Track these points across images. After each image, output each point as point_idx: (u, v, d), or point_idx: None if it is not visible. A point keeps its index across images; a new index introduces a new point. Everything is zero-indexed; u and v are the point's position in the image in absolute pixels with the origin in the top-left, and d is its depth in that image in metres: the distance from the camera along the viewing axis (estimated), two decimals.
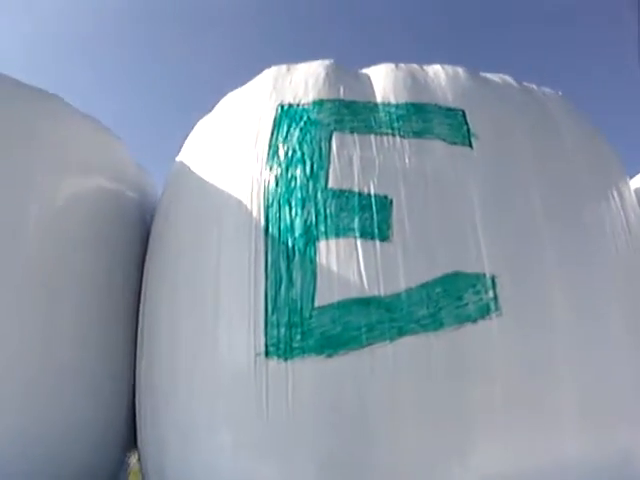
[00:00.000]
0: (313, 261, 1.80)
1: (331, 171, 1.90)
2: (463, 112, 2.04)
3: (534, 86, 2.40)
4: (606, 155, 2.38)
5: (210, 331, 1.92)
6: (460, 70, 2.22)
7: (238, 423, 1.78)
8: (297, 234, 1.85)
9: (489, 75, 2.32)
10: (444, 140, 1.97)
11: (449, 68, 2.22)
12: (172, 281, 2.14)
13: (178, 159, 2.41)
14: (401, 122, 1.99)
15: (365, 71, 2.24)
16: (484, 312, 1.75)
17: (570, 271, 1.92)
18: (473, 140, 1.99)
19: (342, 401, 1.69)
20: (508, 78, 2.33)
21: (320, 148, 1.94)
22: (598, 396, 1.82)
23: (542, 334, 1.79)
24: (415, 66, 2.22)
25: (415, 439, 1.67)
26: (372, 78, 2.18)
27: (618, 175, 2.41)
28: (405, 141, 1.95)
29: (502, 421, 1.70)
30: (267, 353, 1.76)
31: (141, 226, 2.55)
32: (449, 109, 2.05)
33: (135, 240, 2.49)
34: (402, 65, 2.21)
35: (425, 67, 2.23)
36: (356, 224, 1.82)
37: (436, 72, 2.20)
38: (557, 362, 1.79)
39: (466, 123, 2.02)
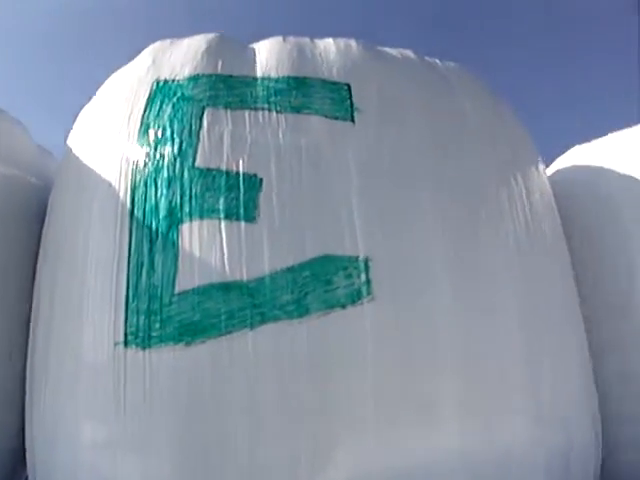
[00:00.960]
0: (175, 244, 1.69)
1: (199, 149, 1.78)
2: (348, 86, 1.92)
3: (437, 61, 2.28)
4: (514, 136, 2.28)
5: (76, 322, 1.80)
6: (353, 43, 2.10)
7: (97, 419, 1.67)
8: (161, 216, 1.73)
9: (387, 49, 2.20)
10: (324, 115, 1.85)
11: (341, 41, 2.11)
12: (52, 275, 2.02)
13: (65, 145, 2.28)
14: (279, 96, 1.87)
15: (253, 45, 2.11)
16: (355, 297, 1.64)
17: (458, 256, 1.81)
18: (356, 114, 1.86)
19: (199, 393, 1.58)
20: (409, 52, 2.21)
21: (190, 125, 1.82)
22: (481, 390, 1.72)
23: (421, 321, 1.68)
24: (305, 39, 2.11)
25: (275, 433, 1.57)
26: (258, 52, 2.05)
27: (526, 157, 2.30)
28: (281, 116, 1.83)
29: (372, 415, 1.60)
30: (126, 343, 1.65)
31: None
32: (334, 83, 1.93)
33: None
34: (291, 38, 2.09)
35: (317, 40, 2.11)
36: (221, 205, 1.70)
37: (327, 45, 2.08)
38: (437, 351, 1.68)
39: (350, 97, 1.89)
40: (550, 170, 3.36)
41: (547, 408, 1.90)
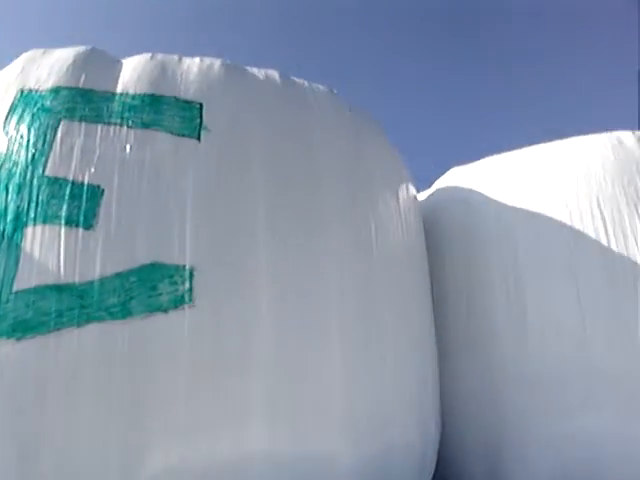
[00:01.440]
0: (18, 246, 1.83)
1: (50, 158, 1.92)
2: (201, 105, 2.08)
3: (305, 84, 2.45)
4: (379, 160, 2.47)
5: None
6: (217, 63, 2.26)
7: None
8: (9, 219, 1.88)
9: (254, 70, 2.36)
10: (171, 132, 2.01)
11: (206, 61, 2.26)
12: None
13: None
14: (132, 112, 2.02)
15: (123, 60, 2.26)
16: (177, 303, 1.81)
17: (284, 268, 1.99)
18: (203, 133, 2.03)
19: (23, 387, 1.72)
20: (275, 75, 2.38)
21: (45, 135, 1.96)
22: (293, 393, 1.91)
23: (238, 326, 1.87)
24: (173, 57, 2.26)
25: (89, 430, 1.71)
26: (124, 67, 2.19)
27: (390, 179, 2.51)
28: (131, 131, 1.99)
29: (183, 414, 1.76)
30: None
31: None
32: (187, 102, 2.09)
33: None
34: (159, 56, 2.23)
35: (184, 58, 2.26)
36: (64, 212, 1.86)
37: (190, 64, 2.24)
38: (250, 354, 1.86)
39: (200, 116, 2.06)
40: (431, 189, 3.60)
41: (363, 412, 2.11)
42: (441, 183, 3.49)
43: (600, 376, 2.72)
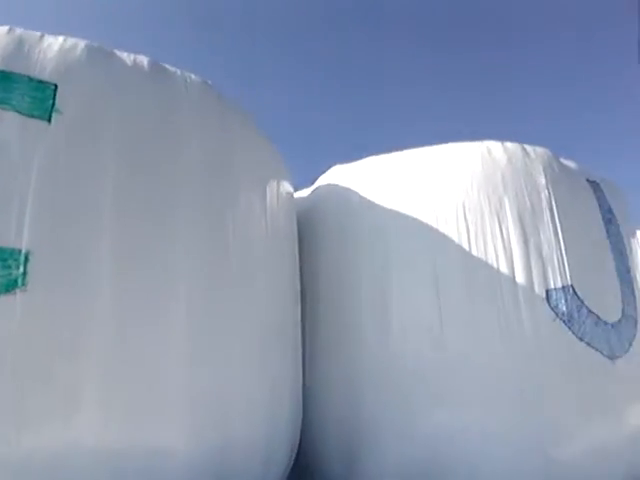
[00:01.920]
0: None
1: None
2: (55, 86, 2.03)
3: (178, 72, 2.44)
4: (238, 145, 2.49)
5: None
6: (81, 45, 2.22)
7: None
8: None
9: (123, 55, 2.32)
10: (19, 112, 1.95)
11: (71, 41, 2.21)
12: None
13: None
14: None
15: None
16: (10, 287, 1.78)
17: (126, 258, 1.99)
18: (54, 115, 1.98)
19: None
20: (144, 61, 2.35)
21: None
22: (128, 380, 1.91)
23: (72, 313, 1.85)
24: (35, 34, 2.18)
25: None
26: None
27: (262, 174, 2.55)
28: None
29: (10, 399, 1.73)
30: None
31: None
32: (41, 82, 2.03)
33: None
34: (19, 30, 2.16)
35: (46, 36, 2.19)
36: None
37: (51, 44, 2.17)
38: (84, 343, 1.86)
39: (54, 98, 2.00)
40: (312, 187, 3.68)
41: (204, 404, 2.14)
42: (323, 181, 3.57)
43: (454, 375, 2.90)
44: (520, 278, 2.97)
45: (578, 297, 3.01)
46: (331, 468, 3.04)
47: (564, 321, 2.95)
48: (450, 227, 3.07)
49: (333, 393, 3.07)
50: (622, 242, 3.39)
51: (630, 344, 3.12)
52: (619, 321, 3.13)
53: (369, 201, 3.23)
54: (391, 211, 3.20)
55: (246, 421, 2.25)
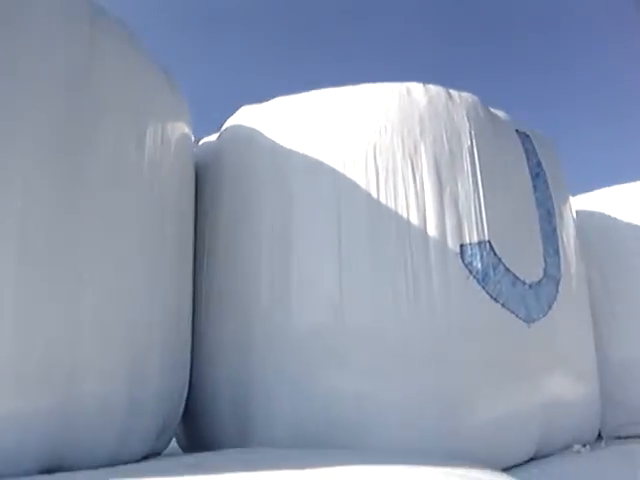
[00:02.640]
0: None
1: None
2: None
3: None
4: (108, 73, 2.13)
5: None
6: None
7: None
8: None
9: None
10: None
11: None
12: None
13: None
14: None
15: None
16: None
17: None
18: None
19: None
20: None
21: None
22: None
23: None
24: None
25: None
26: None
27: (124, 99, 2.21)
28: None
29: None
30: None
31: None
32: None
33: None
34: None
35: None
36: None
37: None
38: None
39: None
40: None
41: (37, 355, 1.79)
42: (230, 123, 3.19)
43: (354, 340, 2.59)
44: (432, 230, 2.67)
45: (495, 254, 2.73)
46: (223, 432, 2.73)
47: (478, 279, 2.66)
48: (358, 171, 2.74)
49: (226, 350, 2.74)
50: (550, 199, 3.13)
51: (549, 307, 2.87)
52: (539, 282, 2.87)
53: (274, 143, 2.87)
54: (296, 154, 2.85)
55: (99, 377, 1.90)
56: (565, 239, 3.18)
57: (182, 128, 2.73)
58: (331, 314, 2.62)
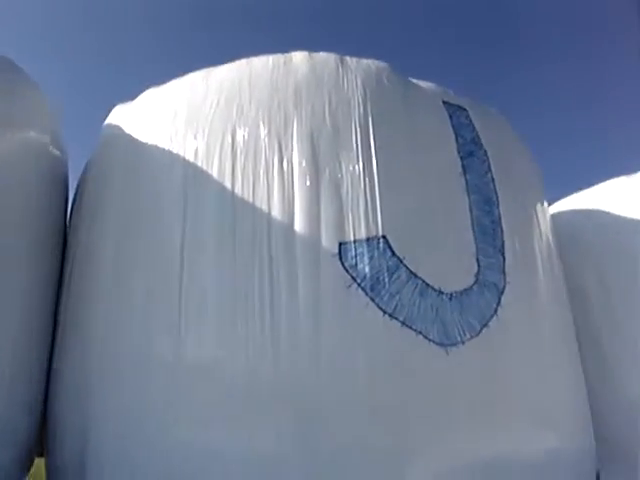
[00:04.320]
0: None
1: None
2: None
3: None
4: None
5: None
6: None
7: None
8: None
9: None
10: None
11: None
12: None
13: None
14: None
15: None
16: None
17: None
18: None
19: None
20: None
21: None
22: None
23: None
24: None
25: None
26: None
27: None
28: None
29: None
30: None
31: None
32: None
33: None
34: None
35: None
36: None
37: None
38: None
39: None
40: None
41: None
42: (107, 123, 2.71)
43: (188, 372, 1.94)
44: (301, 226, 2.01)
45: (393, 253, 2.00)
46: (62, 460, 2.12)
47: (364, 288, 1.92)
48: (210, 160, 2.13)
49: (69, 378, 2.17)
50: (490, 184, 2.35)
51: (485, 324, 2.05)
52: (467, 290, 2.08)
53: (151, 137, 2.35)
54: (148, 147, 2.30)
55: None
56: (519, 235, 2.36)
57: (43, 142, 2.30)
58: (169, 343, 1.97)
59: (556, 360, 2.31)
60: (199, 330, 1.97)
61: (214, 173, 2.13)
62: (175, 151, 2.23)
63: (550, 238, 2.62)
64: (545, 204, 2.76)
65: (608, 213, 3.14)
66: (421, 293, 2.00)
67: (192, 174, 2.15)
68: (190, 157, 2.19)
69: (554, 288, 2.51)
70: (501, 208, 2.34)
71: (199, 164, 2.16)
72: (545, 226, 2.61)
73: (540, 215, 2.61)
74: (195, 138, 2.22)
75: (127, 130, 2.47)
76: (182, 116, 2.30)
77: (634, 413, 2.75)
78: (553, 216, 3.21)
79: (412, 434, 1.87)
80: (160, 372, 1.99)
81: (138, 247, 2.18)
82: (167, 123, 2.34)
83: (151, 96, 2.54)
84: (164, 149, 2.27)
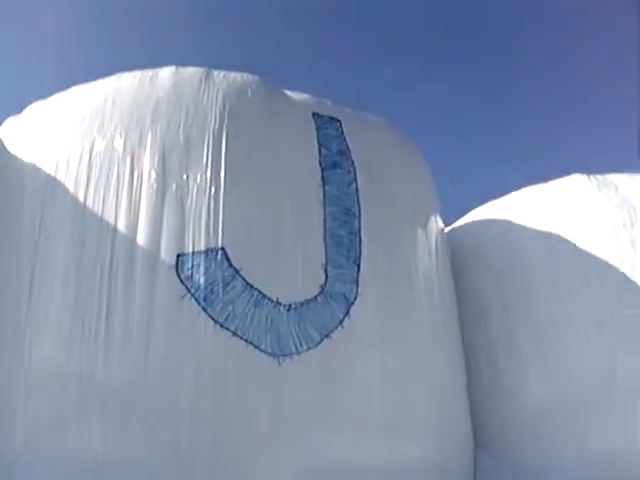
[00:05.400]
0: None
1: None
2: None
3: None
4: None
5: None
6: None
7: None
8: None
9: None
10: None
11: None
12: None
13: None
14: None
15: None
16: None
17: None
18: None
19: None
20: None
21: None
22: None
23: None
24: None
25: None
26: None
27: None
28: None
29: None
30: None
31: None
32: None
33: None
34: None
35: None
36: None
37: None
38: None
39: None
40: None
41: None
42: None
43: (34, 377, 1.99)
44: (142, 238, 2.06)
45: (230, 264, 2.04)
46: None
47: (197, 298, 1.97)
48: (69, 175, 2.21)
49: None
50: (353, 195, 2.37)
51: (327, 335, 2.07)
52: (310, 301, 2.10)
53: (10, 147, 2.44)
54: (20, 158, 2.38)
55: None
56: (385, 247, 2.37)
57: None
58: (14, 352, 2.04)
59: (418, 373, 2.30)
60: (42, 338, 2.02)
61: (70, 185, 2.20)
62: (39, 164, 2.31)
63: (436, 251, 2.61)
64: (435, 216, 2.75)
65: (513, 223, 3.12)
66: (256, 304, 2.03)
67: (52, 185, 2.22)
68: (51, 169, 2.26)
69: (433, 301, 2.51)
70: (363, 219, 2.36)
71: (59, 177, 2.23)
72: (430, 239, 2.61)
73: (425, 227, 2.61)
74: (59, 151, 2.29)
75: (10, 139, 2.54)
76: (54, 130, 2.39)
77: (521, 424, 2.72)
78: (459, 227, 3.21)
79: (235, 441, 1.89)
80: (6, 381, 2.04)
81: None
82: (42, 136, 2.42)
83: (35, 109, 2.62)
84: (33, 161, 2.35)
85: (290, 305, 2.08)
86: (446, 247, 2.78)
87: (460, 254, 3.06)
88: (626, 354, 2.73)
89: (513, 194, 3.36)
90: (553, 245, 3.02)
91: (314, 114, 2.49)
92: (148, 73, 2.44)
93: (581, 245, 2.99)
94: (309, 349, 2.05)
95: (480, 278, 3.04)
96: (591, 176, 3.31)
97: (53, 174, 2.25)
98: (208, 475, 1.85)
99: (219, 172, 2.19)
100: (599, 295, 2.88)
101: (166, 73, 2.42)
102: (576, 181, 3.22)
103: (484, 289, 3.03)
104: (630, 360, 2.70)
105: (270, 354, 1.99)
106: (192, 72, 2.43)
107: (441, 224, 2.87)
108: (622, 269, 2.92)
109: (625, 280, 2.91)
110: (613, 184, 3.23)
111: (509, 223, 3.14)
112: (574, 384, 2.76)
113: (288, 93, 2.56)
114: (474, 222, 3.31)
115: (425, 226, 2.65)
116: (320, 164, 2.37)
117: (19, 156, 2.42)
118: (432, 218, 2.74)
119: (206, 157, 2.21)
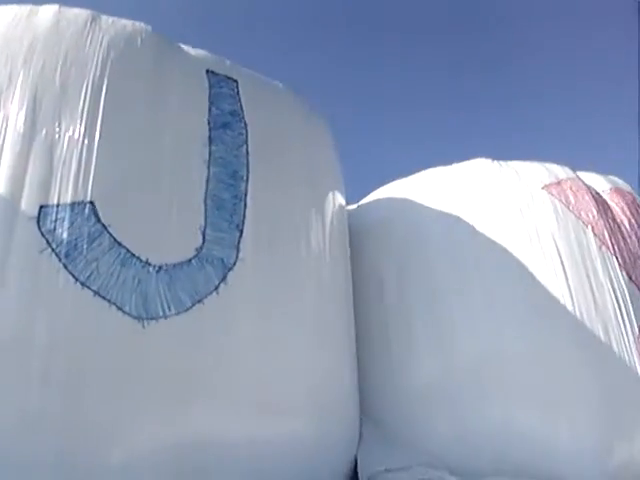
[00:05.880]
0: None
1: None
2: None
3: None
4: None
5: None
6: None
7: None
8: None
9: None
10: None
11: None
12: None
13: None
14: None
15: None
16: None
17: None
18: None
19: None
20: None
21: None
22: None
23: None
24: None
25: None
26: None
27: None
28: None
29: None
30: None
31: None
32: None
33: None
34: None
35: None
36: None
37: None
38: None
39: None
40: None
41: None
42: None
43: None
44: (3, 187, 1.89)
45: (98, 220, 1.90)
46: None
47: (58, 254, 1.83)
48: None
49: None
50: (242, 158, 2.28)
51: (198, 300, 1.99)
52: (183, 263, 2.01)
53: None
54: None
55: None
56: (273, 213, 2.30)
57: None
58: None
59: (297, 346, 2.26)
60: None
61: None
62: None
63: (330, 225, 2.58)
64: (334, 191, 2.72)
65: (414, 202, 3.14)
66: (123, 263, 1.93)
67: None
68: None
69: (321, 275, 2.47)
70: (251, 184, 2.28)
71: None
72: (326, 212, 2.57)
73: (321, 200, 2.57)
74: None
75: None
76: None
77: (410, 400, 2.76)
78: (361, 205, 3.19)
79: (89, 409, 1.79)
80: None
81: None
82: None
83: None
84: None
85: (161, 266, 1.99)
86: (344, 223, 2.75)
87: (360, 232, 3.06)
88: (511, 336, 2.82)
89: (417, 175, 3.38)
90: (450, 225, 3.06)
91: (209, 71, 2.38)
92: (26, 8, 2.25)
93: (477, 227, 3.04)
94: (178, 314, 1.97)
95: (378, 255, 3.05)
96: (495, 161, 3.38)
97: None
98: (60, 444, 1.75)
99: (95, 122, 2.05)
100: (489, 277, 2.95)
101: (47, 11, 2.24)
102: (478, 165, 3.27)
103: (381, 265, 3.04)
104: (514, 343, 2.79)
105: (134, 316, 1.90)
106: (77, 13, 2.26)
107: (341, 200, 2.83)
108: (515, 253, 2.99)
109: (517, 264, 2.99)
110: (514, 170, 3.30)
111: (410, 202, 3.16)
112: (457, 363, 2.83)
113: (184, 47, 2.42)
114: (376, 200, 3.31)
115: (321, 199, 2.60)
116: (208, 123, 2.26)
117: None
118: (330, 192, 2.70)
119: (82, 105, 2.06)
